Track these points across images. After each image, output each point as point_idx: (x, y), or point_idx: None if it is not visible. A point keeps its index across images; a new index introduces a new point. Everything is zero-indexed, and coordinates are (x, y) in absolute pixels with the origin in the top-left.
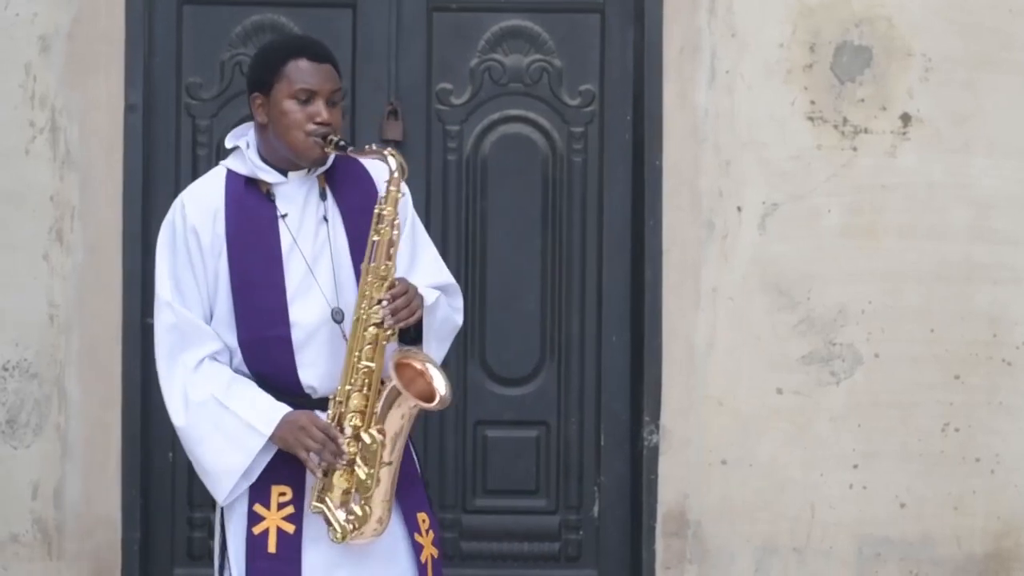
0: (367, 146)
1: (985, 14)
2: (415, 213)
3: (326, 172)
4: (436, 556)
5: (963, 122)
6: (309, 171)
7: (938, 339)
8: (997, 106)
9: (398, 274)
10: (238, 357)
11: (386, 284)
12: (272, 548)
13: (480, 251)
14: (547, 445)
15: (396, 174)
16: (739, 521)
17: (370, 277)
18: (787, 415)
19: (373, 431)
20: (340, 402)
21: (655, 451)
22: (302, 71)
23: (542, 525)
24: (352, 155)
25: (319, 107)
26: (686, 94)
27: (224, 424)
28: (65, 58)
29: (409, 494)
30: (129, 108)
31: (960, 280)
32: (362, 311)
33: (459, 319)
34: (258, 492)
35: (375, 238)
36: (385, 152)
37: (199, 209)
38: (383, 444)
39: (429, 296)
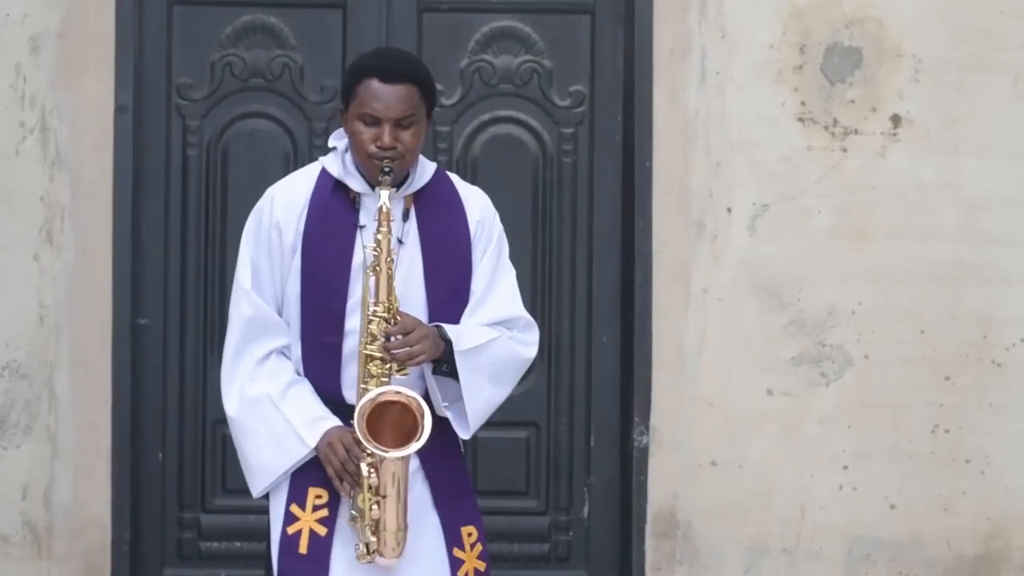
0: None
1: (976, 15)
2: (503, 243)
3: (417, 192)
4: (482, 570)
5: (953, 123)
6: (397, 188)
7: (928, 340)
8: (987, 107)
9: (475, 298)
10: (296, 354)
11: (383, 321)
12: (303, 549)
13: None
14: (537, 446)
15: (384, 211)
16: (729, 522)
17: (369, 313)
18: (777, 416)
19: (364, 465)
20: (355, 428)
21: (645, 452)
22: (371, 93)
23: (532, 526)
24: (380, 184)
25: (383, 131)
26: (676, 95)
27: (274, 424)
28: (55, 58)
29: (453, 507)
30: (119, 109)
31: (950, 281)
32: (363, 346)
33: (528, 353)
34: (296, 493)
35: (372, 276)
36: (380, 189)
37: (286, 204)
38: (374, 477)
39: (472, 338)
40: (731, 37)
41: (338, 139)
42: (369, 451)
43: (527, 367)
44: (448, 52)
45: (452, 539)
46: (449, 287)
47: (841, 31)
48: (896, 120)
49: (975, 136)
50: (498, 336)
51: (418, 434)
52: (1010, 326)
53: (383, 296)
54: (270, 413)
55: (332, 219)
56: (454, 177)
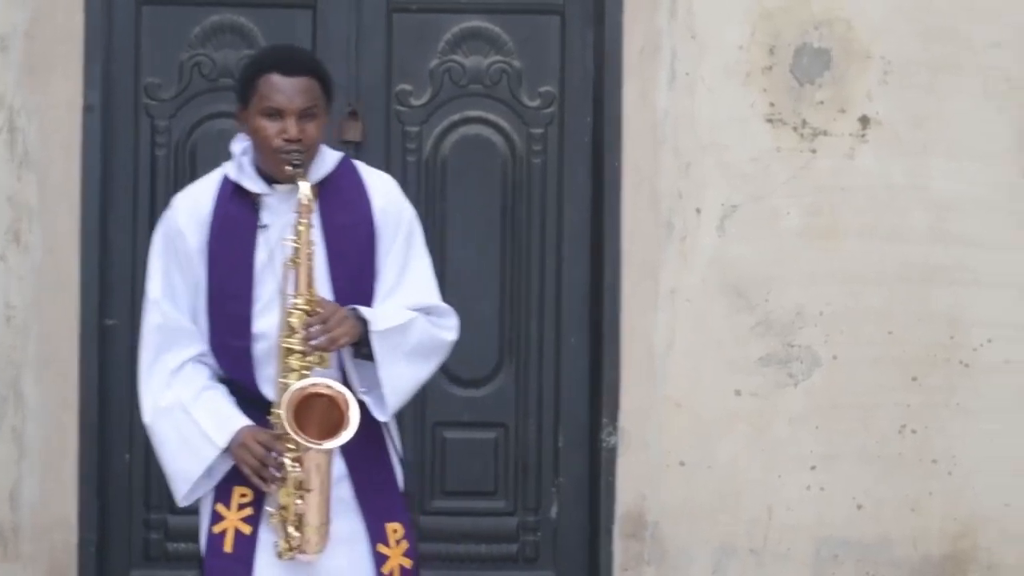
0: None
1: (944, 17)
2: (414, 229)
3: (320, 183)
4: (408, 567)
5: (922, 124)
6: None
7: (896, 341)
8: (956, 108)
9: (387, 286)
10: (213, 360)
11: (302, 312)
12: (228, 548)
13: (439, 252)
14: (505, 446)
15: (305, 202)
16: (697, 522)
17: (288, 305)
18: (745, 417)
19: (288, 459)
20: (275, 424)
21: (613, 452)
22: (272, 87)
23: (500, 526)
24: (295, 176)
25: (288, 123)
26: (646, 96)
27: (184, 429)
28: (23, 58)
29: (377, 503)
30: (87, 108)
31: (918, 282)
32: (282, 339)
33: (448, 336)
34: (221, 492)
35: (291, 268)
36: (297, 181)
37: (189, 212)
38: (299, 471)
39: (388, 319)
40: (701, 38)
41: (239, 143)
42: (295, 443)
43: (447, 351)
44: (418, 52)
45: (376, 535)
46: (352, 277)
47: (810, 32)
48: (865, 121)
49: (944, 137)
50: (415, 316)
51: (344, 426)
52: (978, 327)
53: (303, 288)
54: (181, 419)
55: (233, 223)
56: (360, 165)
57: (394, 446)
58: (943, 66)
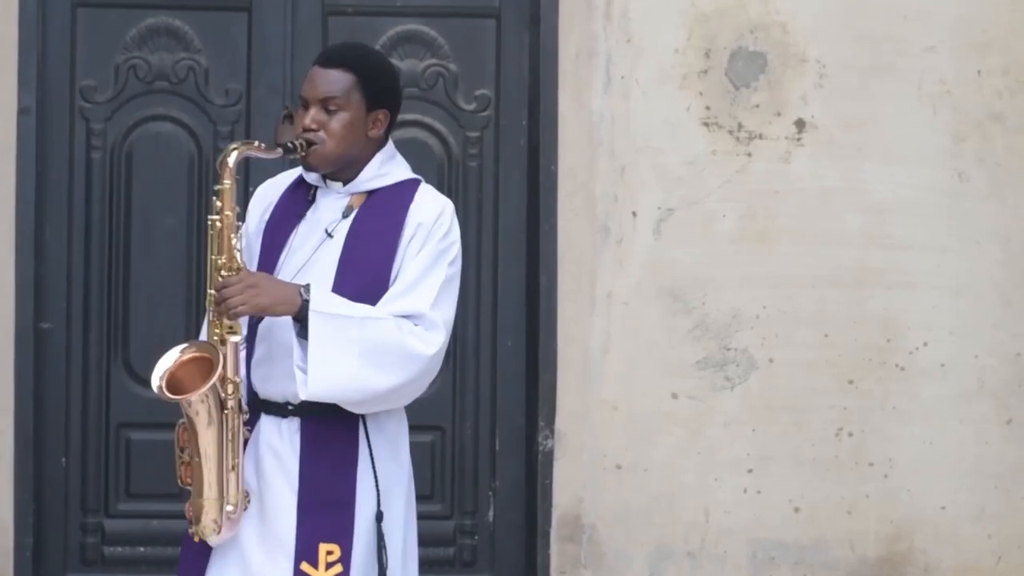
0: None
1: (879, 20)
2: (446, 245)
3: (371, 193)
4: None
5: (857, 128)
6: (345, 184)
7: (832, 344)
8: (891, 112)
9: (394, 290)
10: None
11: (221, 274)
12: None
13: None
14: (442, 450)
15: (231, 165)
16: (634, 526)
17: (212, 266)
18: (682, 420)
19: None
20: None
21: (550, 456)
22: (307, 77)
23: (437, 530)
24: (263, 153)
25: (307, 114)
26: (582, 99)
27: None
28: None
29: (319, 519)
30: (22, 111)
31: (854, 285)
32: (208, 301)
33: (419, 348)
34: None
35: (212, 228)
36: (234, 148)
37: (260, 197)
38: (188, 430)
39: (342, 307)
40: (636, 41)
41: None
42: (181, 398)
43: (419, 363)
44: None
45: (304, 552)
46: (360, 284)
47: (746, 36)
48: (800, 125)
49: (879, 141)
50: (384, 318)
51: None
52: (913, 330)
53: (222, 249)
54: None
55: (286, 210)
56: (426, 188)
57: (373, 465)
58: (878, 69)
